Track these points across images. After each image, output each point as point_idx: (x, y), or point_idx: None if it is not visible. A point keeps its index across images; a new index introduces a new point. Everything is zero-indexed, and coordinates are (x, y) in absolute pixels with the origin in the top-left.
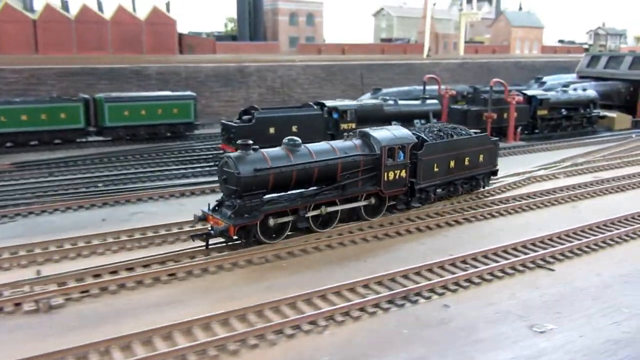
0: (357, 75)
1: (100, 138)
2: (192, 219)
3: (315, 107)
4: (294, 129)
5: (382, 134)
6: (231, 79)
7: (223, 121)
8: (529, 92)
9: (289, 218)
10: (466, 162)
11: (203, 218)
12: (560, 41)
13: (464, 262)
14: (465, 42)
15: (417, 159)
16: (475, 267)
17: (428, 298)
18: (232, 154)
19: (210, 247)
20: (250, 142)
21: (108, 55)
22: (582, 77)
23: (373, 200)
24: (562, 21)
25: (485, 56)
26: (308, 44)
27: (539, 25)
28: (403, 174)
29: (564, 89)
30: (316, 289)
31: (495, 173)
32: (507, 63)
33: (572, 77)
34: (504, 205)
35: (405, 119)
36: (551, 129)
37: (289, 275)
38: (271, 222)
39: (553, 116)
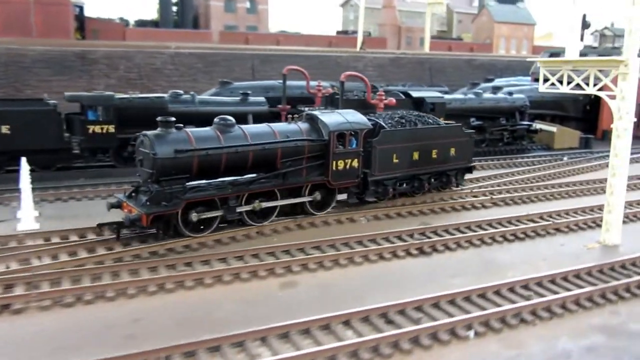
0: (248, 67)
1: None
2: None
3: (49, 102)
4: (4, 130)
5: (332, 117)
6: (69, 66)
7: None
8: (418, 93)
9: (217, 213)
10: (434, 155)
11: (117, 205)
12: None
13: None
14: (438, 38)
15: (371, 147)
16: None
17: None
18: (150, 132)
19: (122, 237)
20: (173, 118)
21: None
22: (537, 80)
23: (319, 197)
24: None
25: (434, 53)
26: (232, 32)
27: (529, 22)
28: (355, 163)
29: (478, 91)
30: None
31: (470, 170)
32: (458, 61)
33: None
34: None
35: (200, 120)
36: None
37: None
38: (193, 216)
39: None
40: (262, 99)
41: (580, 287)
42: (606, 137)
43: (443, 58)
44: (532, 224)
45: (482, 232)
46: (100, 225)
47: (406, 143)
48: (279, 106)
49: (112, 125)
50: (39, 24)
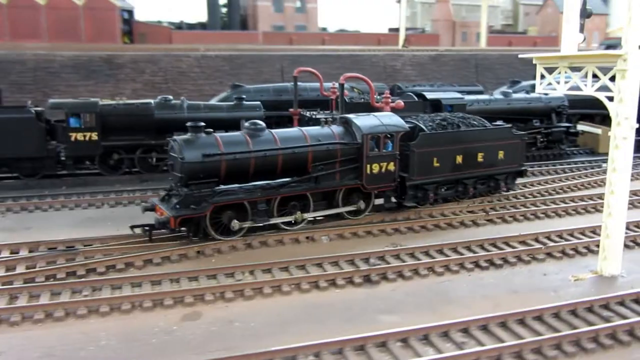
0: (277, 69)
1: None
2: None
3: (31, 110)
4: None
5: (366, 120)
6: (96, 70)
7: None
8: (434, 95)
9: (252, 224)
10: (479, 159)
11: (151, 208)
12: None
13: None
14: (499, 32)
15: (409, 150)
16: None
17: None
18: (180, 137)
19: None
20: (202, 123)
21: (42, 44)
22: None
23: (362, 205)
24: None
25: (481, 49)
26: (275, 33)
27: (601, 12)
28: (391, 167)
29: (507, 91)
30: None
31: (521, 174)
32: (509, 56)
33: None
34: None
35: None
36: None
37: None
38: (234, 224)
39: None
40: (257, 103)
41: (538, 333)
42: None
43: (491, 54)
44: (518, 248)
45: (452, 257)
46: (132, 227)
47: (448, 146)
48: (291, 110)
49: (95, 133)
50: (88, 30)
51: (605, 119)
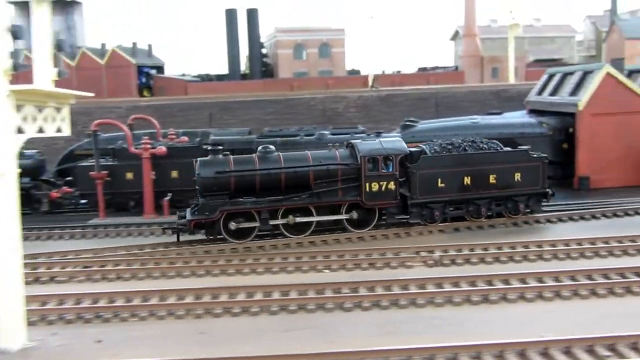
0: (206, 116)
1: None
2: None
3: None
4: None
5: (367, 145)
6: None
7: None
8: (217, 137)
9: (254, 224)
10: (492, 180)
11: (184, 216)
12: None
13: None
14: (542, 60)
15: (411, 172)
16: None
17: None
18: (201, 158)
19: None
20: (220, 147)
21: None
22: (533, 111)
23: (355, 215)
24: None
25: (442, 87)
26: (274, 80)
27: None
28: (392, 186)
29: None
30: None
31: (546, 196)
32: (481, 93)
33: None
34: None
35: None
36: None
37: None
38: (232, 225)
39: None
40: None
41: None
42: (584, 185)
43: (457, 91)
44: None
45: None
46: (164, 229)
47: (453, 168)
48: (92, 173)
49: None
50: (109, 86)
51: None
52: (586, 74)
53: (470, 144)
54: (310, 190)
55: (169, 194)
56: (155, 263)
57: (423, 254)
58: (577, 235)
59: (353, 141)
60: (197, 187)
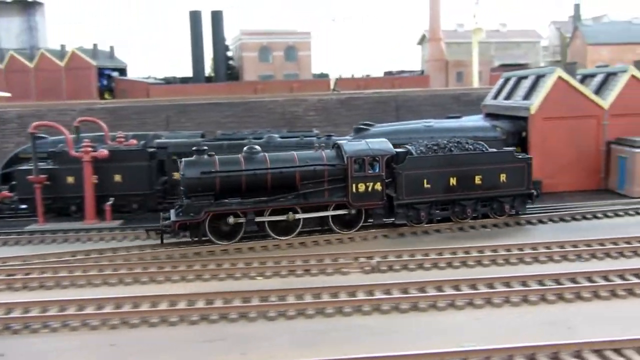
0: (162, 119)
1: None
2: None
3: None
4: None
5: (353, 145)
6: None
7: None
8: (162, 140)
9: (240, 219)
10: (477, 181)
11: (168, 217)
12: None
13: None
14: (508, 65)
15: (396, 172)
16: None
17: None
18: (186, 158)
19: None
20: (205, 148)
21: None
22: (490, 115)
23: (341, 213)
24: None
25: (404, 90)
26: (235, 83)
27: None
28: (378, 187)
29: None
30: None
31: (530, 196)
32: (441, 97)
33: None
34: None
35: None
36: None
37: None
38: (230, 219)
39: None
40: None
41: None
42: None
43: (418, 95)
44: None
45: None
46: (147, 230)
47: (439, 169)
48: (30, 177)
49: None
50: (68, 88)
51: None
52: (539, 78)
53: (455, 144)
54: (297, 191)
55: (112, 199)
56: (83, 270)
57: (362, 259)
58: (524, 240)
59: (339, 142)
60: (181, 188)
